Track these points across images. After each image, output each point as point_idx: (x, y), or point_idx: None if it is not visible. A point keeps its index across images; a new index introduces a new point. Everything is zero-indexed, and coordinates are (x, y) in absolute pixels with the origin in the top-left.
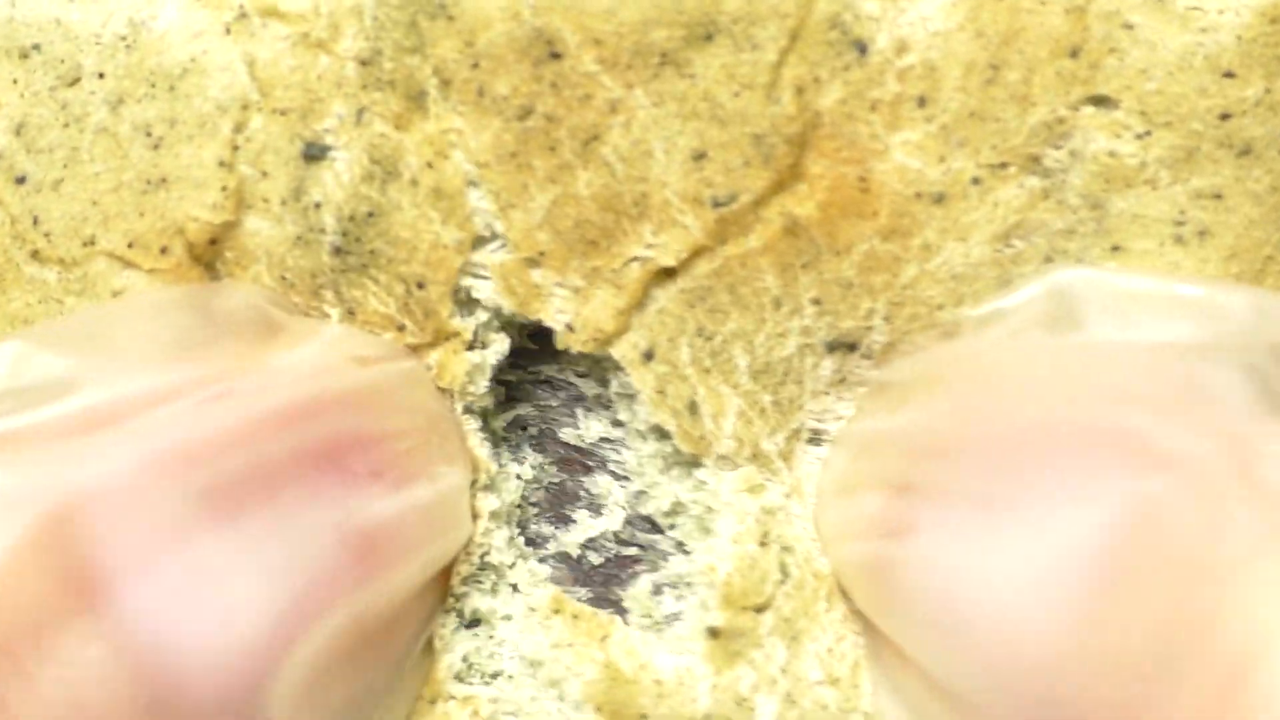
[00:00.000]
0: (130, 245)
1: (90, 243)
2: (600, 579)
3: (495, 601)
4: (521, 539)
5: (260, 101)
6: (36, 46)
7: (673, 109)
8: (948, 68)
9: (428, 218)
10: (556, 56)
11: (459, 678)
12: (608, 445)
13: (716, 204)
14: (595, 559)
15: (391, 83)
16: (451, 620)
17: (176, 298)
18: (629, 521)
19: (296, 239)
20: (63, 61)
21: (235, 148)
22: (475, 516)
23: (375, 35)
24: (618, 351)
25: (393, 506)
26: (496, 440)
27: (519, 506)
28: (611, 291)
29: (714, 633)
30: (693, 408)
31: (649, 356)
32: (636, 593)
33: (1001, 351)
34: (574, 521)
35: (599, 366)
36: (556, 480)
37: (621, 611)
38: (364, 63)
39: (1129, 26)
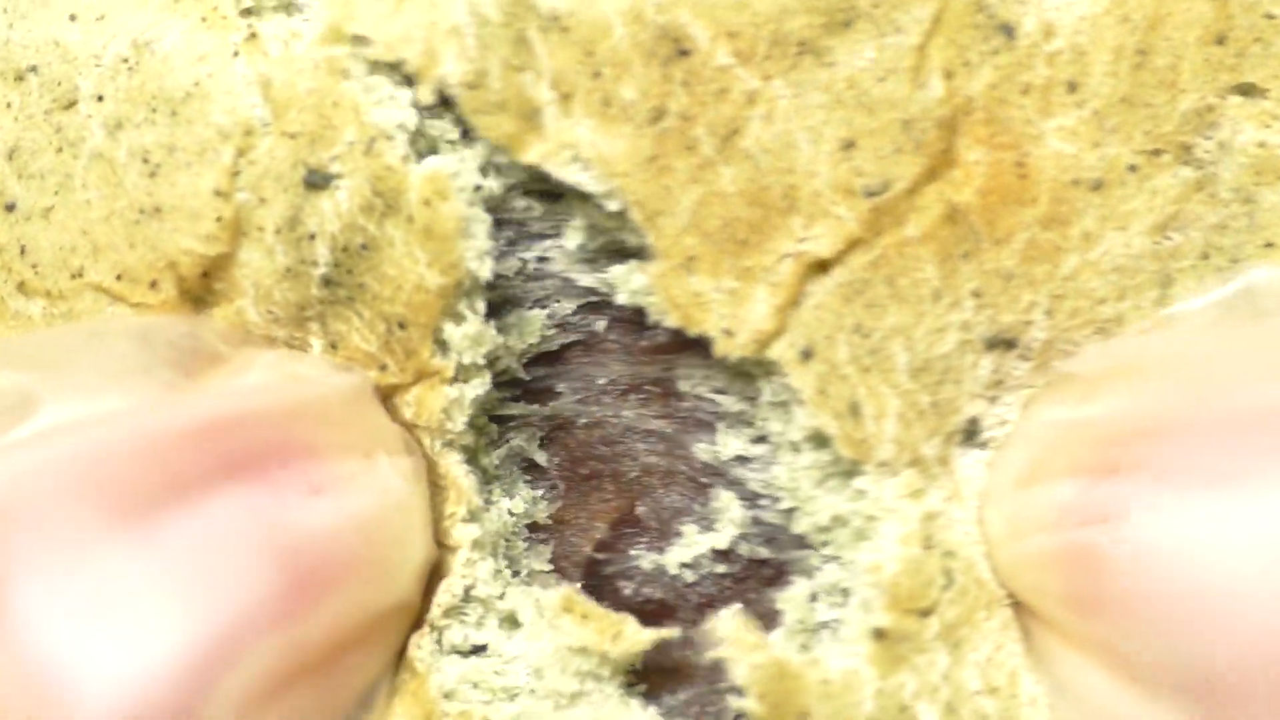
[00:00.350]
0: (119, 278)
1: (78, 275)
2: (697, 597)
3: (481, 634)
4: (509, 570)
5: (270, 124)
6: (33, 68)
7: (815, 98)
8: (1096, 52)
9: (414, 257)
10: (686, 54)
11: (448, 696)
12: (742, 464)
13: (869, 193)
14: (690, 576)
15: (502, 104)
16: (427, 643)
17: (119, 327)
18: (744, 538)
19: (286, 271)
20: (59, 84)
21: (235, 173)
22: (454, 548)
23: (480, 56)
24: (775, 352)
25: (329, 522)
26: (488, 477)
27: (506, 539)
28: (767, 290)
29: (880, 634)
30: (854, 409)
31: (807, 355)
32: (793, 595)
33: (1211, 338)
34: (680, 535)
35: (740, 380)
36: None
37: (774, 615)
38: (470, 86)
39: (1270, 16)
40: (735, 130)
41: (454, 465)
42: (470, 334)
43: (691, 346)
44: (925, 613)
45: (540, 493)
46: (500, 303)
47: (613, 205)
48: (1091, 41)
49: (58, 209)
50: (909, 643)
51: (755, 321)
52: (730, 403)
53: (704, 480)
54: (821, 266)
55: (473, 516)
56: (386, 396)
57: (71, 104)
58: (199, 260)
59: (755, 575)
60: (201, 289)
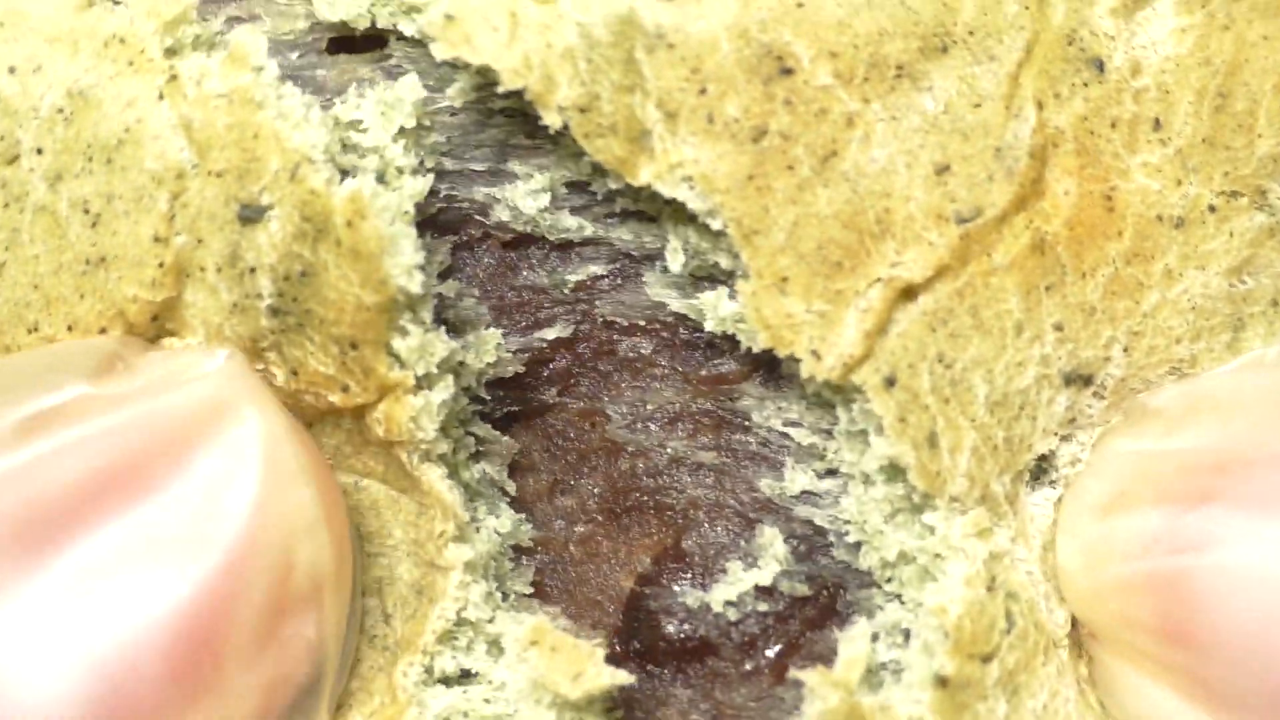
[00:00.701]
0: (69, 329)
1: (34, 329)
2: (740, 636)
3: (470, 660)
4: (499, 593)
5: (198, 165)
6: None
7: (912, 122)
8: (1180, 92)
9: (348, 278)
10: (789, 72)
11: None
12: (808, 500)
13: (961, 219)
14: (733, 614)
15: (613, 127)
16: (415, 671)
17: (39, 352)
18: (786, 575)
19: (233, 306)
20: (2, 139)
21: (171, 217)
22: (446, 569)
23: (591, 79)
24: (859, 377)
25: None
26: (471, 494)
27: (495, 560)
28: (857, 315)
29: (943, 682)
30: (932, 439)
31: (891, 383)
32: (854, 635)
33: None
34: (724, 572)
35: (816, 411)
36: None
37: (832, 655)
38: (582, 110)
39: None
40: (834, 152)
41: (436, 480)
42: (415, 346)
43: (760, 377)
44: (987, 658)
45: (523, 515)
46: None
47: (715, 224)
48: (1176, 82)
49: (9, 265)
50: (971, 690)
51: (844, 346)
52: (803, 435)
53: (752, 515)
54: (909, 293)
55: (462, 535)
56: (356, 418)
57: (14, 159)
58: (146, 306)
59: (799, 614)
60: (153, 331)
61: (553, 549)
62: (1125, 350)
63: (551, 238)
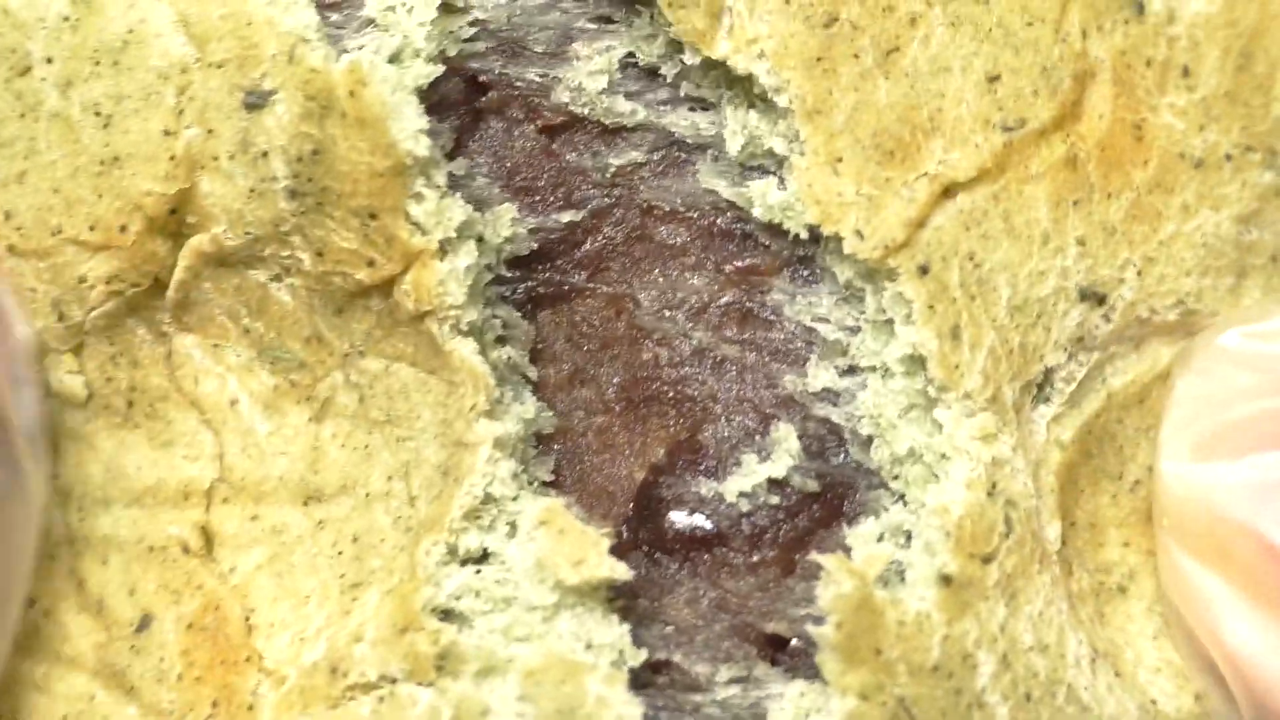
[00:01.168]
0: (92, 229)
1: (57, 231)
2: (750, 528)
3: (492, 539)
4: (525, 475)
5: (200, 58)
6: None
7: (969, 30)
8: (1208, 46)
9: (357, 149)
10: None
11: (434, 610)
12: (827, 397)
13: (1005, 128)
14: (745, 505)
15: (696, 1)
16: (439, 551)
17: None
18: (798, 470)
19: (250, 192)
20: (13, 51)
21: (180, 111)
22: (475, 444)
23: None
24: (896, 261)
25: None
26: (499, 377)
27: (520, 443)
28: (902, 204)
29: (947, 580)
30: (955, 332)
31: (924, 271)
32: (863, 533)
33: None
34: (739, 465)
35: (846, 305)
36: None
37: (845, 550)
38: None
39: None
40: (896, 48)
41: (468, 353)
42: (432, 210)
43: (791, 272)
44: (987, 559)
45: (544, 403)
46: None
47: (781, 100)
48: (1206, 36)
49: (30, 173)
50: (973, 589)
51: (886, 230)
52: (829, 330)
53: (769, 411)
54: (949, 191)
55: (492, 411)
56: (385, 297)
57: (26, 70)
58: (161, 200)
59: (808, 510)
60: (174, 225)
61: (569, 439)
62: (1139, 274)
63: (607, 121)
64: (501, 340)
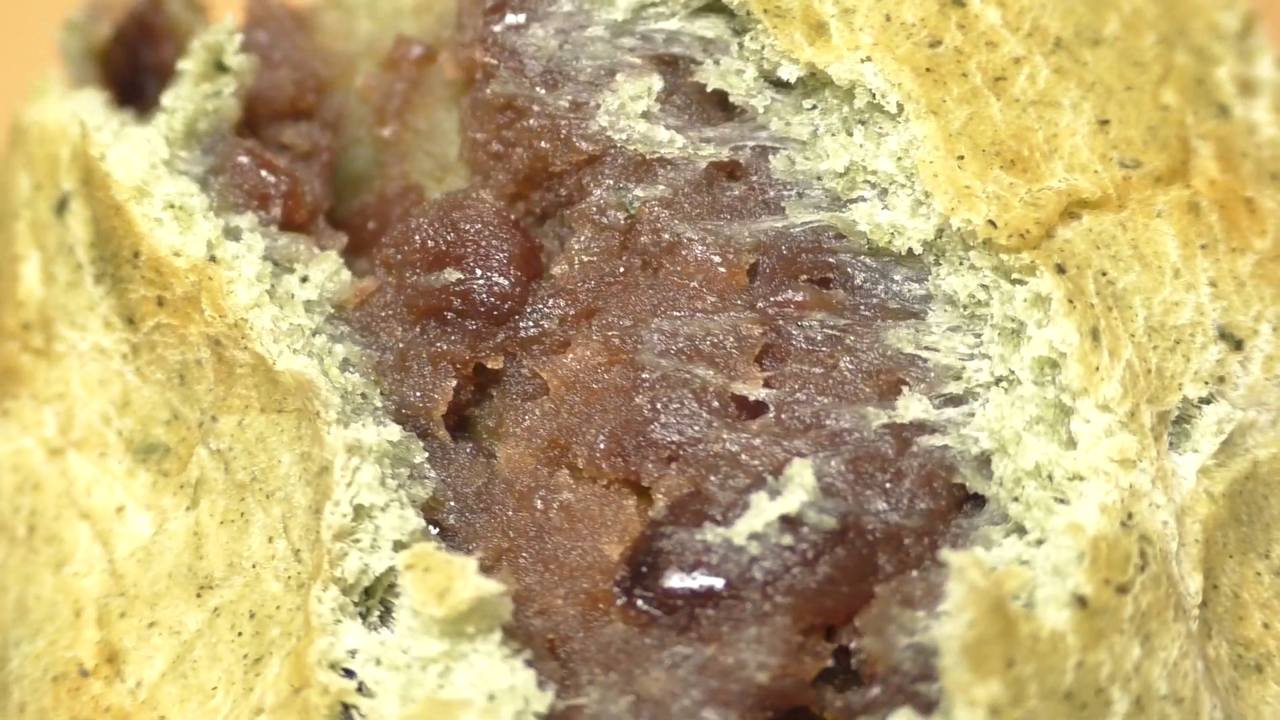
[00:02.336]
0: None
1: None
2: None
3: (375, 559)
4: (393, 481)
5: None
6: None
7: (1073, 79)
8: None
9: (103, 203)
10: (960, 4)
11: (332, 665)
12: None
13: (1123, 165)
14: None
15: (792, 12)
16: (330, 596)
17: None
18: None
19: (69, 286)
20: None
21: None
22: (332, 461)
23: None
24: (1033, 255)
25: None
26: (348, 400)
27: (388, 459)
28: (1030, 208)
29: (1081, 601)
30: (1095, 334)
31: (1061, 270)
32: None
33: None
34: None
35: (970, 316)
36: None
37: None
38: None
39: None
40: (1003, 77)
41: (300, 367)
42: (174, 228)
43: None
44: (1122, 589)
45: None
46: None
47: (889, 104)
48: None
49: None
50: (1108, 617)
51: (1020, 224)
52: (939, 358)
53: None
54: (1074, 211)
55: (344, 420)
56: (214, 350)
57: None
58: None
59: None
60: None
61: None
62: (1274, 330)
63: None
64: (349, 365)
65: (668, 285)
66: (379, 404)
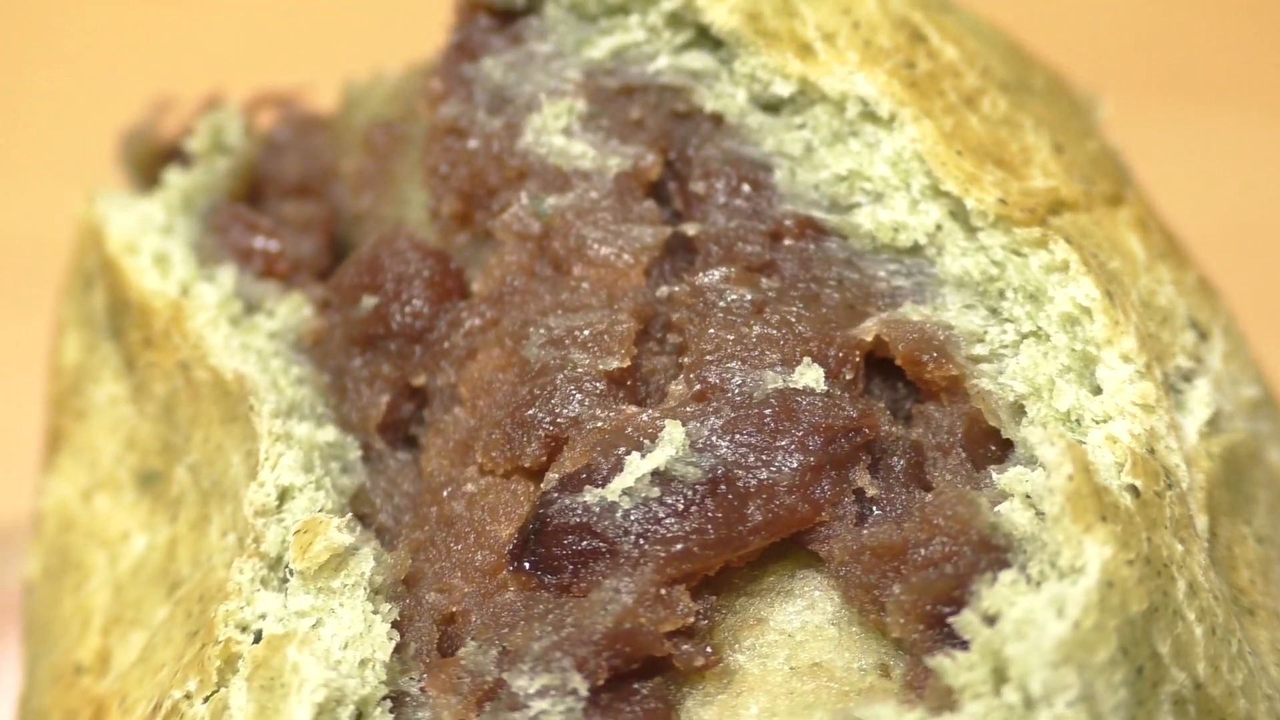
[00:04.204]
0: None
1: None
2: None
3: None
4: (320, 469)
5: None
6: None
7: (1026, 112)
8: None
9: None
10: (922, 39)
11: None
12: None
13: (1083, 180)
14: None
15: (779, 33)
16: (251, 566)
17: None
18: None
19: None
20: None
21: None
22: (259, 440)
23: (751, 4)
24: (1043, 228)
25: None
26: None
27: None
28: (1025, 196)
29: (1135, 491)
30: (1109, 293)
31: (1069, 240)
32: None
33: None
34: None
35: (983, 293)
36: None
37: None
38: (751, 17)
39: None
40: (972, 99)
41: (240, 366)
42: (154, 270)
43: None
44: (1159, 495)
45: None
46: None
47: (883, 110)
48: None
49: None
50: (1156, 510)
51: (1024, 204)
52: (963, 324)
53: None
54: (1057, 209)
55: (275, 409)
56: (184, 374)
57: None
58: None
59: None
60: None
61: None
62: (1225, 332)
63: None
64: (302, 382)
65: (566, 286)
66: (322, 412)
